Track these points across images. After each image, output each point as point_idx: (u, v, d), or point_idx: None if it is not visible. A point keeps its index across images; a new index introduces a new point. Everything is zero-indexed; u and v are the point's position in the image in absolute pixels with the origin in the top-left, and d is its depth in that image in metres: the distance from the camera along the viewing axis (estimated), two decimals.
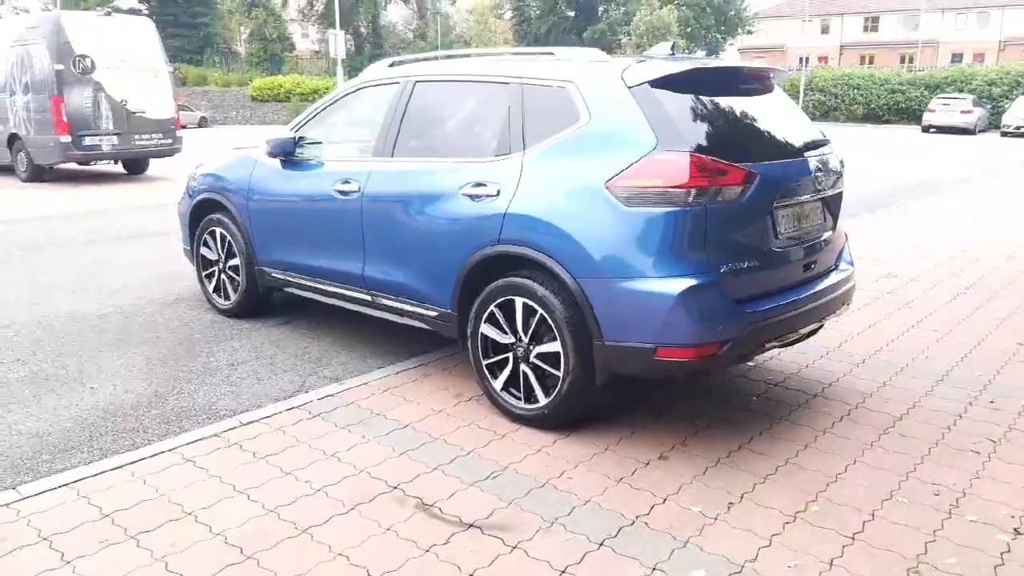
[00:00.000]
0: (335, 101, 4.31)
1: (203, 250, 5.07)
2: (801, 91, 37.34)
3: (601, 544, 2.48)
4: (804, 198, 3.26)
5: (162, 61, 12.97)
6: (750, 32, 47.72)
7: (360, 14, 59.85)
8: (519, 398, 3.33)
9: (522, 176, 3.23)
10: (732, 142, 3.08)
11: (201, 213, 5.02)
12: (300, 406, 3.54)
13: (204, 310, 5.17)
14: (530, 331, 3.23)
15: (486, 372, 3.44)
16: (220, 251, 4.92)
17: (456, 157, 3.60)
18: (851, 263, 3.72)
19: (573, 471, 2.97)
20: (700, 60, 3.48)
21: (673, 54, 3.49)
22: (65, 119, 11.61)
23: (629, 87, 3.04)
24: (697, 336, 2.85)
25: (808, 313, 3.21)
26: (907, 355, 4.31)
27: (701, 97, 3.11)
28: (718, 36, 46.14)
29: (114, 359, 4.24)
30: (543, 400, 3.24)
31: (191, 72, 47.41)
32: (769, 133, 3.30)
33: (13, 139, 12.63)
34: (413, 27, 63.51)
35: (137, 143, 12.59)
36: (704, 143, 2.94)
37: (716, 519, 2.64)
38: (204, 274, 5.13)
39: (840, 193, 3.56)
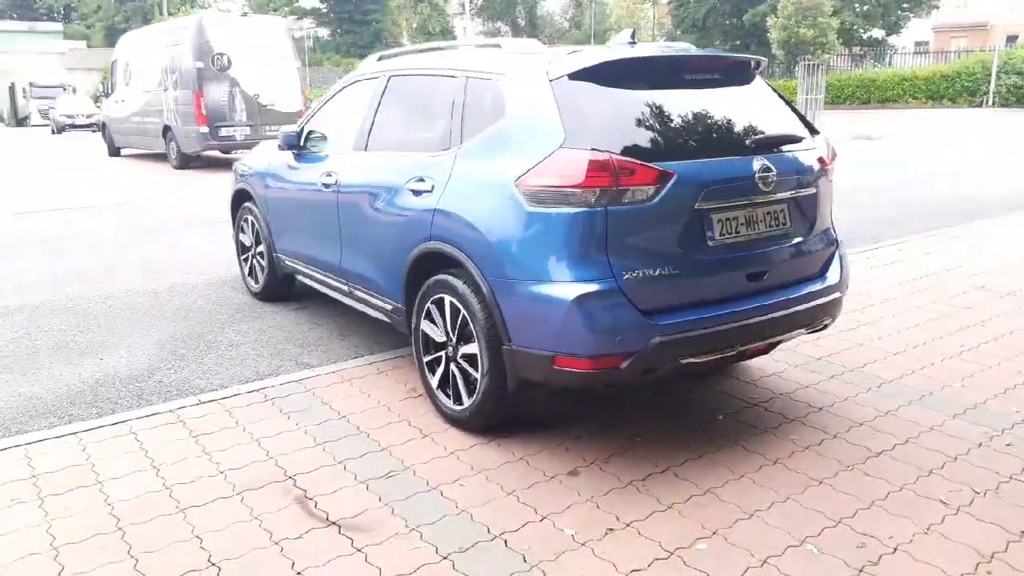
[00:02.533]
0: (334, 95, 4.42)
1: (240, 236, 5.41)
2: (993, 74, 32.94)
3: (445, 557, 2.38)
4: (753, 199, 2.89)
5: (292, 58, 13.99)
6: (935, 7, 42.61)
7: (518, 5, 60.92)
8: (450, 397, 3.27)
9: (452, 172, 3.14)
10: (653, 139, 2.79)
11: (240, 201, 5.36)
12: (260, 389, 3.69)
13: (240, 292, 5.53)
14: (456, 330, 3.16)
15: (426, 369, 3.41)
16: (252, 237, 5.23)
17: (409, 151, 3.57)
18: (840, 275, 3.26)
19: (471, 478, 2.87)
20: (652, 48, 3.18)
21: (633, 42, 3.23)
22: (204, 112, 12.90)
23: (550, 80, 2.86)
24: (592, 346, 2.64)
25: (747, 329, 2.85)
26: (940, 381, 3.73)
27: (630, 90, 2.85)
28: (899, 13, 41.63)
29: (137, 334, 4.65)
30: (467, 402, 3.15)
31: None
32: (709, 129, 2.94)
33: (166, 130, 14.25)
34: (569, 16, 63.49)
35: (267, 134, 13.63)
36: (617, 140, 2.69)
37: (583, 545, 2.44)
38: (242, 258, 5.49)
39: (815, 194, 3.12)
